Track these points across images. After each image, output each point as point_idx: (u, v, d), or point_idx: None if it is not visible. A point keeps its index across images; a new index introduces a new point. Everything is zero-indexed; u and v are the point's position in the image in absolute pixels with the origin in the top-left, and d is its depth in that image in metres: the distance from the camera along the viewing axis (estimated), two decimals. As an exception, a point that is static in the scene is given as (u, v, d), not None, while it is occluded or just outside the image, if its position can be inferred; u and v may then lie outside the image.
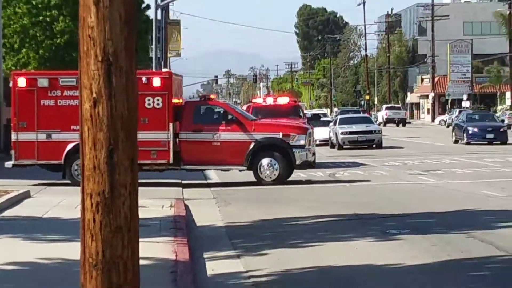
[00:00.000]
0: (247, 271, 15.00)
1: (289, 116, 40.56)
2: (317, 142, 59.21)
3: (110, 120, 7.10)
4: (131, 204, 7.35)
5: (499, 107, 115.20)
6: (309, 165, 34.18)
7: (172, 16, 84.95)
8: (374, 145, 60.75)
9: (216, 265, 15.72)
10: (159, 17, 55.49)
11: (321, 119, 68.43)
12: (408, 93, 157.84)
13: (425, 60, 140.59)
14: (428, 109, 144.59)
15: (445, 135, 74.86)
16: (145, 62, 58.41)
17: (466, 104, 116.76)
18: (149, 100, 31.08)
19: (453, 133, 70.22)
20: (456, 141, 67.25)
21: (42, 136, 31.83)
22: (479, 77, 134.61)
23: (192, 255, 16.01)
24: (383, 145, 61.59)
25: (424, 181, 33.20)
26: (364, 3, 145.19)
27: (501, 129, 67.04)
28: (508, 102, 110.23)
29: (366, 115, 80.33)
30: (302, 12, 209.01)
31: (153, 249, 15.33)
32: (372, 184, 32.87)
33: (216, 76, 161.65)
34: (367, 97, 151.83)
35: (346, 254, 16.62)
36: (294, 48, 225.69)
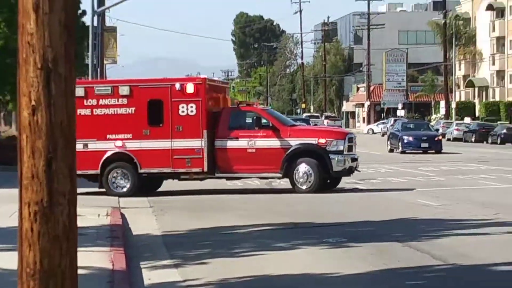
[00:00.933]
0: (184, 281, 14.91)
1: None
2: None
3: (49, 128, 7.00)
4: (69, 213, 7.25)
5: (433, 116, 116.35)
6: (350, 171, 32.75)
7: (108, 22, 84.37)
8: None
9: (153, 274, 15.59)
10: (95, 24, 54.98)
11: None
12: (344, 102, 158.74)
13: (361, 68, 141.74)
14: (364, 118, 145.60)
15: (380, 144, 75.36)
16: (81, 69, 57.83)
17: (401, 113, 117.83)
18: (182, 107, 30.79)
19: (388, 142, 71.28)
20: (391, 150, 68.09)
21: (78, 146, 31.87)
22: (414, 86, 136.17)
23: (129, 264, 15.90)
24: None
25: (360, 190, 33.37)
26: (300, 11, 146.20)
27: (436, 138, 68.10)
28: (442, 111, 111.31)
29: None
30: (239, 19, 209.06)
31: (90, 258, 15.17)
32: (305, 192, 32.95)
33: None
34: (303, 106, 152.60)
35: (286, 263, 16.59)
36: (230, 56, 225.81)
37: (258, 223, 23.12)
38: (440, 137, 72.35)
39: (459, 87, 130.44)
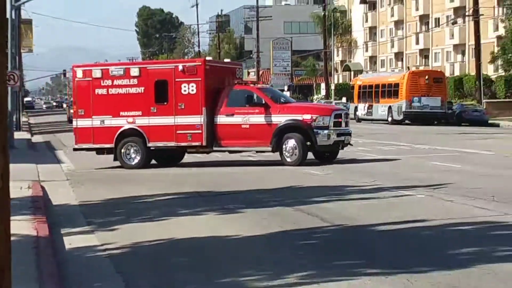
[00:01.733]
0: (102, 245, 14.78)
1: None
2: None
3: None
4: (3, 186, 7.12)
5: (315, 97, 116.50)
6: (337, 145, 30.88)
7: (24, 15, 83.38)
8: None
9: (73, 239, 15.45)
10: (13, 17, 54.43)
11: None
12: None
13: (251, 55, 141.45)
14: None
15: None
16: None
17: (287, 94, 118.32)
18: (184, 86, 30.32)
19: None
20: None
21: (96, 122, 31.79)
22: (298, 70, 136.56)
23: (51, 231, 15.71)
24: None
25: (254, 163, 33.35)
26: (197, 5, 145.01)
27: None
28: (323, 92, 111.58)
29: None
30: (142, 12, 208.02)
31: (16, 227, 14.87)
32: (210, 166, 32.84)
33: (64, 70, 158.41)
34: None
35: (192, 227, 16.51)
36: (135, 45, 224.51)
37: (166, 192, 23.07)
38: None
39: (337, 71, 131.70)
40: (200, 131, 30.17)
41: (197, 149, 31.51)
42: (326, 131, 29.61)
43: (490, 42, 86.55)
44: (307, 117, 29.78)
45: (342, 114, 31.61)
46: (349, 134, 31.70)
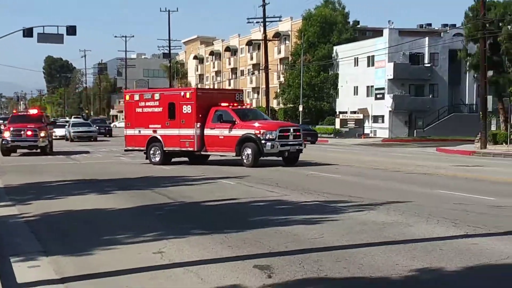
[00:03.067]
0: (20, 214, 14.34)
1: (37, 122, 38.20)
2: (57, 137, 58.10)
3: None
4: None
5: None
6: (282, 153, 27.96)
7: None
8: (92, 139, 59.81)
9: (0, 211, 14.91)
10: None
11: (57, 123, 65.85)
12: (111, 109, 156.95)
13: (121, 90, 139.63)
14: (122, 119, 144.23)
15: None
16: None
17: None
18: (184, 107, 28.87)
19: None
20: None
21: (135, 132, 30.99)
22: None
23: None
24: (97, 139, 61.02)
25: (124, 160, 32.90)
26: (85, 56, 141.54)
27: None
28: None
29: (88, 121, 78.53)
30: (47, 60, 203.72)
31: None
32: (94, 161, 32.23)
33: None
34: (86, 111, 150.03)
35: (83, 203, 16.11)
36: (42, 81, 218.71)
37: (65, 179, 22.50)
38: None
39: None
40: (193, 140, 28.74)
41: (192, 153, 29.50)
42: (270, 143, 27.19)
43: (274, 86, 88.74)
44: (257, 131, 27.47)
45: (291, 129, 28.75)
46: (297, 144, 28.40)
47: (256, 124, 27.89)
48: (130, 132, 31.43)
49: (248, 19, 68.44)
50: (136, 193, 18.11)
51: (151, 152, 30.17)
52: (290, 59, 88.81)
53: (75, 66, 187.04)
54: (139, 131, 30.71)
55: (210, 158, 30.53)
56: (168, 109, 29.62)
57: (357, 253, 9.75)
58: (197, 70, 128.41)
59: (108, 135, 71.69)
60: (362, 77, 74.25)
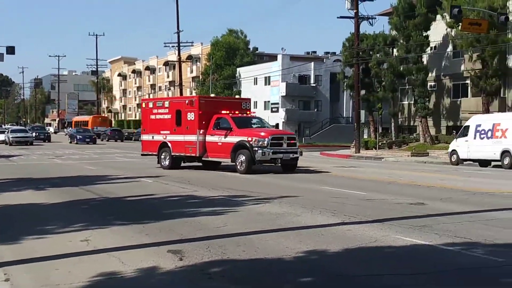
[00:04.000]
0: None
1: None
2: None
3: None
4: None
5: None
6: (275, 160, 24.41)
7: None
8: (28, 143, 57.59)
9: None
10: None
11: (-1, 130, 63.61)
12: (45, 118, 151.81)
13: (55, 102, 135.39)
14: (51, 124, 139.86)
15: (65, 138, 72.42)
16: None
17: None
18: (189, 114, 25.91)
19: (68, 137, 68.36)
20: (70, 142, 64.62)
21: (149, 137, 28.25)
22: (82, 111, 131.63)
23: None
24: (33, 143, 58.70)
25: (56, 162, 31.87)
26: (23, 72, 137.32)
27: (93, 136, 65.56)
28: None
29: (27, 128, 75.47)
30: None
31: None
32: (30, 162, 30.97)
33: None
34: (24, 120, 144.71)
35: (18, 198, 15.48)
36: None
37: (5, 178, 21.58)
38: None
39: (104, 112, 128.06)
40: (195, 146, 25.67)
41: (195, 158, 26.32)
42: (261, 150, 23.76)
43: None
44: (249, 139, 24.06)
45: (284, 137, 24.96)
46: (291, 152, 24.58)
47: (251, 132, 24.70)
48: (145, 137, 28.71)
49: (165, 43, 68.60)
50: (66, 190, 17.55)
51: (162, 156, 27.28)
52: (200, 78, 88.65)
53: (14, 81, 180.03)
54: (153, 136, 28.02)
55: (206, 164, 26.89)
56: (175, 116, 26.82)
57: (254, 238, 9.79)
58: (121, 86, 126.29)
59: (47, 141, 68.59)
60: (260, 94, 75.20)
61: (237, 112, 26.31)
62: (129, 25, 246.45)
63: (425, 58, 47.18)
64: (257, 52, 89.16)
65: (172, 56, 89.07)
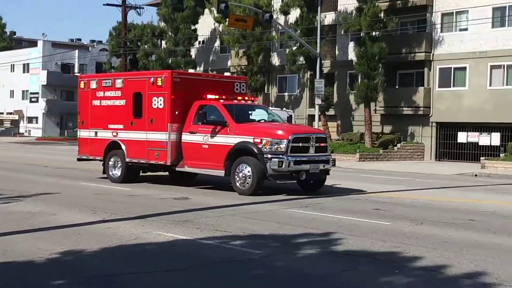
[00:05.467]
0: None
1: None
2: None
3: None
4: None
5: None
6: (292, 177, 15.60)
7: None
8: None
9: None
10: None
11: None
12: None
13: None
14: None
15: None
16: None
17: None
18: (155, 100, 17.27)
19: None
20: None
21: (91, 134, 19.21)
22: None
23: None
24: None
25: None
26: None
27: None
28: None
29: None
30: None
31: None
32: None
33: None
34: None
35: None
36: None
37: None
38: None
39: None
40: (165, 149, 17.07)
41: (162, 167, 17.87)
42: (276, 158, 15.19)
43: None
44: (257, 140, 15.48)
45: (312, 137, 15.99)
46: (322, 161, 16.05)
47: (258, 128, 16.19)
48: (84, 134, 19.58)
49: None
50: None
51: (110, 163, 18.60)
52: None
53: None
54: (96, 133, 19.14)
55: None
56: (132, 102, 18.02)
57: (2, 240, 9.18)
58: None
59: None
60: (18, 82, 71.74)
61: (229, 97, 17.63)
62: None
63: (193, 52, 48.48)
64: (14, 36, 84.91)
65: None
